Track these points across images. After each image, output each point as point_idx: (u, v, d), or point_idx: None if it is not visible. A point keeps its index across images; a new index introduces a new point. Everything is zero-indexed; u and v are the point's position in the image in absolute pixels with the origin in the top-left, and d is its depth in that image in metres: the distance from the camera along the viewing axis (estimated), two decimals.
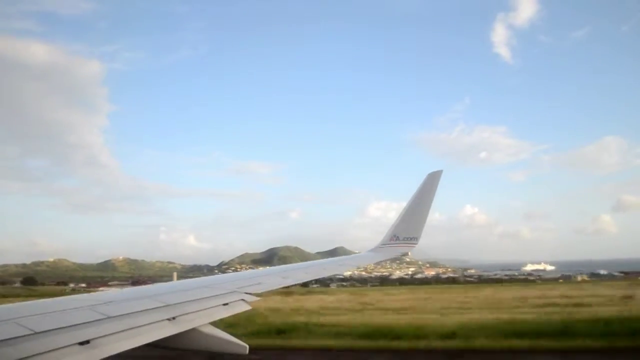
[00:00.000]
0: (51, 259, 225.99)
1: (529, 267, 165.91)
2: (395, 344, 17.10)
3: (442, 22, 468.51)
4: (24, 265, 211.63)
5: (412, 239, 8.41)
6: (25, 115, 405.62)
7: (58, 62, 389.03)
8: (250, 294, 4.56)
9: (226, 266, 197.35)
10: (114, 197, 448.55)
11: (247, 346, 3.77)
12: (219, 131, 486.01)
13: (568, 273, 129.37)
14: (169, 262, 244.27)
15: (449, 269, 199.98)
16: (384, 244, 8.55)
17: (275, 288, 5.13)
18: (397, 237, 8.44)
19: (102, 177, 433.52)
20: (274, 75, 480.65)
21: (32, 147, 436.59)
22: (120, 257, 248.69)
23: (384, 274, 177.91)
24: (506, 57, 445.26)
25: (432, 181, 8.57)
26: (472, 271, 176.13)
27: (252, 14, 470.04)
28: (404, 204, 8.94)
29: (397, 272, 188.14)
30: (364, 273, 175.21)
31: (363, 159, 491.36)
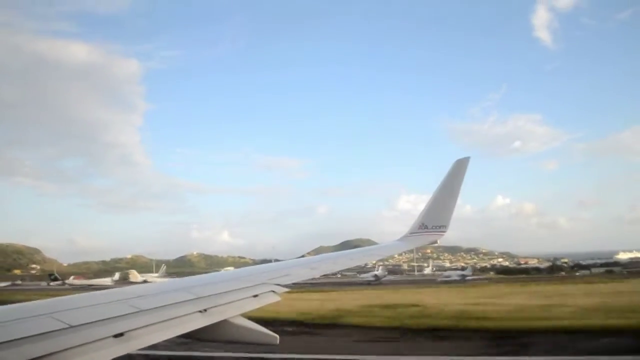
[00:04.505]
0: (129, 256, 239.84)
1: (622, 256, 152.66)
2: None
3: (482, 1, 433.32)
4: (104, 262, 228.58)
5: (441, 227, 8.27)
6: (63, 116, 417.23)
7: (96, 62, 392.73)
8: (279, 285, 4.55)
9: None
10: (147, 196, 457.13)
11: (277, 337, 3.77)
12: (249, 127, 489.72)
13: None
14: (240, 257, 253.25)
15: (539, 259, 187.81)
16: (412, 233, 8.46)
17: (303, 279, 5.11)
18: (426, 225, 8.35)
19: (136, 175, 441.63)
20: (303, 72, 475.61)
21: (68, 147, 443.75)
22: (195, 253, 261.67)
23: (463, 265, 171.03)
24: (547, 40, 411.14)
25: (459, 168, 8.45)
26: (566, 260, 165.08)
27: (282, 12, 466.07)
28: None
29: (480, 264, 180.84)
30: (432, 264, 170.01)
31: (392, 152, 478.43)
